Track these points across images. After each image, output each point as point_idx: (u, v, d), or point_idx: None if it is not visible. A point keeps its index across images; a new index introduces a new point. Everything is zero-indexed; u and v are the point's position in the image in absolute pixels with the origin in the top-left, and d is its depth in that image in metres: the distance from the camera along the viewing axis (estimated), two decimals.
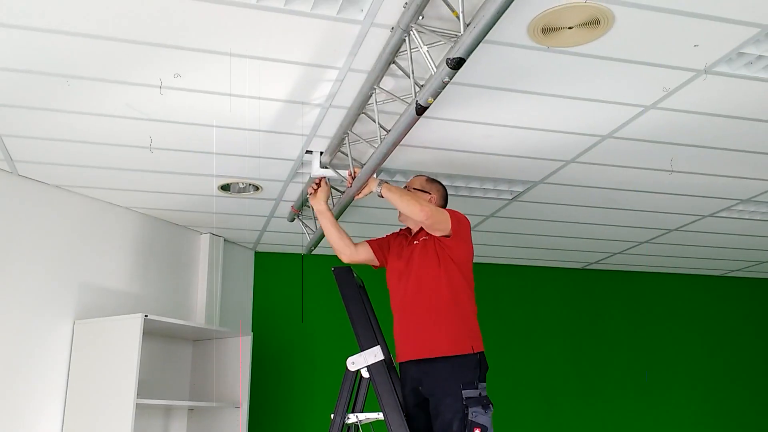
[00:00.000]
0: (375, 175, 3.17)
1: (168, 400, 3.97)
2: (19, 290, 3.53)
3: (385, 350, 3.05)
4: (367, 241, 3.33)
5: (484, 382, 2.91)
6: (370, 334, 3.03)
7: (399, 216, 3.24)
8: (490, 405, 2.84)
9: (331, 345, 5.14)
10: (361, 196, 3.24)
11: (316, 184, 3.35)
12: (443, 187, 3.30)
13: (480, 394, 2.83)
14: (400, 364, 3.07)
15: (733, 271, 6.11)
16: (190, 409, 4.35)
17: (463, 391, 2.80)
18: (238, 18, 2.31)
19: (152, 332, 3.99)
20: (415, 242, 3.12)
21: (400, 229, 3.37)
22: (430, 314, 2.94)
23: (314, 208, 3.37)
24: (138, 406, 3.47)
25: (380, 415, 2.94)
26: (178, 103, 2.88)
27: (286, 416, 4.99)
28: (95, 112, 2.95)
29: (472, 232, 3.17)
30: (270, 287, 5.22)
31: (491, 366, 3.04)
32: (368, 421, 3.04)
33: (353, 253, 3.29)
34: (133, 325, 3.52)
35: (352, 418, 3.03)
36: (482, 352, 2.94)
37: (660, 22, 2.38)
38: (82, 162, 3.48)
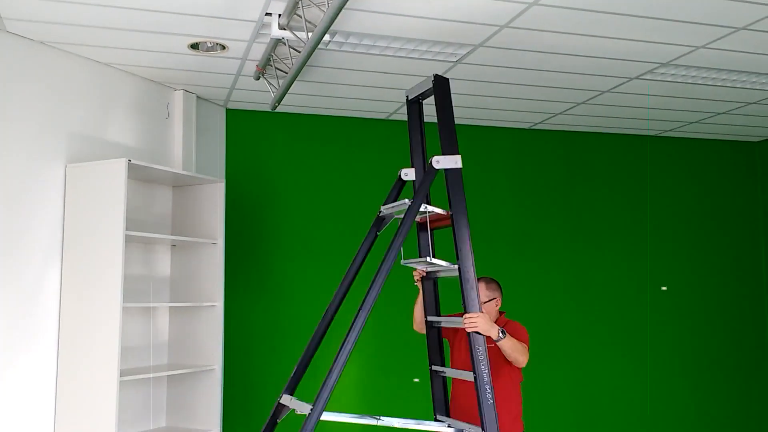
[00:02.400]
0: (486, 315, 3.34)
1: (153, 233, 4.57)
2: (14, 139, 4.00)
3: None
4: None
5: None
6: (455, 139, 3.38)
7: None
8: None
9: (296, 194, 5.81)
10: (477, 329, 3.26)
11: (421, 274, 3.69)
12: (497, 283, 3.93)
13: None
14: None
15: (666, 131, 6.68)
16: (173, 245, 4.98)
17: None
18: None
19: (135, 178, 4.52)
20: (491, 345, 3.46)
21: None
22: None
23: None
24: (127, 239, 4.08)
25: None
26: None
27: (256, 252, 5.69)
28: None
29: None
30: (240, 141, 5.75)
31: None
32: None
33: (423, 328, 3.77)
34: (119, 168, 4.05)
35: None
36: None
37: None
38: (67, 20, 3.85)
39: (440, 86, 3.47)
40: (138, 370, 4.46)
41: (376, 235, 3.59)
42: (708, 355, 6.75)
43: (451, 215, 3.26)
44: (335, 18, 3.35)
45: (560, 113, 5.98)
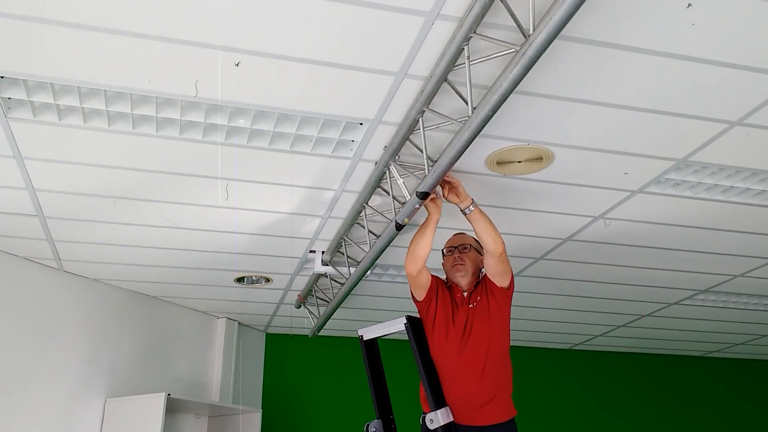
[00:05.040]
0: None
1: None
2: (58, 373, 4.05)
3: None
4: (432, 275, 3.11)
5: None
6: (441, 393, 2.94)
7: (453, 272, 3.08)
8: None
9: (333, 420, 5.62)
10: (452, 200, 2.93)
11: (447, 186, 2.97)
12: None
13: None
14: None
15: (711, 352, 6.51)
16: None
17: None
18: (255, 157, 2.91)
19: (173, 408, 4.47)
20: (470, 305, 3.01)
21: (446, 279, 3.19)
22: (489, 384, 2.94)
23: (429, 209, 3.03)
24: None
25: None
26: (203, 215, 3.48)
27: None
28: (133, 223, 3.55)
29: None
30: (279, 365, 5.72)
31: None
32: None
33: (420, 270, 3.03)
34: (158, 402, 4.02)
35: None
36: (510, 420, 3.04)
37: (592, 157, 2.96)
38: (119, 260, 4.06)
39: (414, 329, 3.00)
40: None
41: None
42: None
43: None
44: (377, 258, 3.47)
45: (600, 335, 5.91)
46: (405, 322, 3.09)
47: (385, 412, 3.28)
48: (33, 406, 3.88)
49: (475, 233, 2.94)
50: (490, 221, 2.90)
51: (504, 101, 2.17)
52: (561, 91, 2.48)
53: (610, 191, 3.28)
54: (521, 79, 2.06)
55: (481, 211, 2.90)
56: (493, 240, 2.86)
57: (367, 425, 3.21)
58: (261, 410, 4.83)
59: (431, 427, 2.88)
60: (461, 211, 2.92)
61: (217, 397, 4.97)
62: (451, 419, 2.90)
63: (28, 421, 3.84)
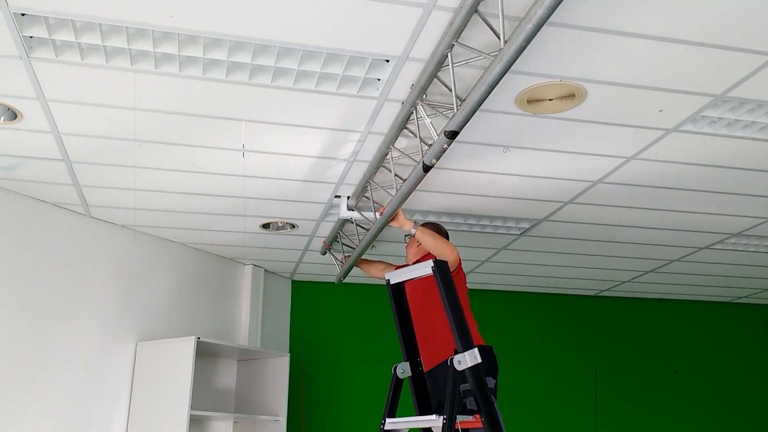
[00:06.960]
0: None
1: (217, 411, 4.50)
2: (90, 318, 4.13)
3: None
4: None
5: (495, 378, 3.26)
6: (469, 335, 2.97)
7: (408, 255, 3.80)
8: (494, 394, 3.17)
9: (360, 363, 5.70)
10: (395, 225, 3.66)
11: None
12: (430, 223, 3.79)
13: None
14: (428, 373, 3.30)
15: (740, 297, 6.44)
16: (235, 422, 4.88)
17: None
18: (278, 97, 2.86)
19: (203, 352, 4.53)
20: None
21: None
22: (432, 331, 3.39)
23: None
24: (191, 417, 4.01)
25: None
26: (228, 159, 3.45)
27: (320, 427, 5.51)
28: (159, 167, 3.54)
29: (485, 264, 3.56)
30: (305, 312, 5.78)
31: (505, 384, 3.42)
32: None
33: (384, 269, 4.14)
34: (187, 346, 4.07)
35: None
36: (482, 346, 3.15)
37: (626, 93, 2.86)
38: (146, 206, 4.08)
39: (441, 271, 3.03)
40: None
41: None
42: None
43: (482, 419, 2.89)
44: (404, 202, 3.43)
45: (628, 281, 5.86)
46: (432, 265, 3.07)
47: (412, 354, 3.30)
48: (68, 348, 3.96)
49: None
50: (434, 236, 3.47)
51: (538, 30, 2.08)
52: (595, 21, 2.38)
53: (644, 130, 3.18)
54: (558, 5, 1.97)
55: (422, 231, 3.49)
56: (441, 251, 3.40)
57: (395, 367, 3.23)
58: (289, 354, 4.88)
59: (459, 368, 2.89)
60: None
61: (245, 341, 5.04)
62: (479, 360, 2.90)
63: (64, 363, 3.93)
